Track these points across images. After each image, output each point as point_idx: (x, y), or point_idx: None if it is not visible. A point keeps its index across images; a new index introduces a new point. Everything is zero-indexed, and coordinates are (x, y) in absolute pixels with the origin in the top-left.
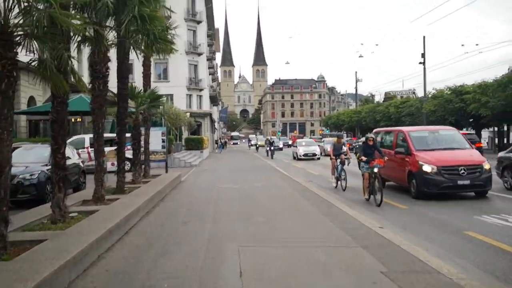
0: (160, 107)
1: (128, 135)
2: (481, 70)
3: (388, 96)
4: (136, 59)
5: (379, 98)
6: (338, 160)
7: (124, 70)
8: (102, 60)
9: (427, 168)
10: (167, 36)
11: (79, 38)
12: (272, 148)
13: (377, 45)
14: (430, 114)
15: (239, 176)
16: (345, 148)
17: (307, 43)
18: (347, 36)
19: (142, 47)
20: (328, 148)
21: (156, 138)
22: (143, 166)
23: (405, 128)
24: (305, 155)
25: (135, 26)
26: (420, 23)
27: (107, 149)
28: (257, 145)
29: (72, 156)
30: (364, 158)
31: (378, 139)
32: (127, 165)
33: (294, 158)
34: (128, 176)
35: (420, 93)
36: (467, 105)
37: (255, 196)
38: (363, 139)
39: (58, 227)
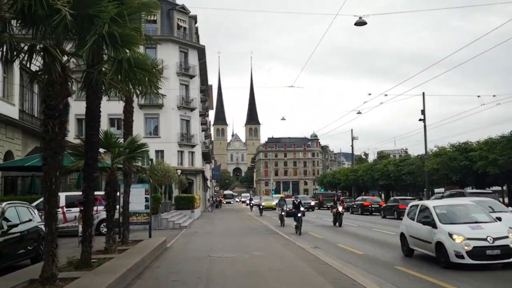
0: (142, 159)
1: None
2: (474, 129)
3: (382, 155)
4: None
5: (372, 157)
6: None
7: (95, 111)
8: (59, 93)
9: None
10: (150, 67)
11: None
12: (299, 215)
13: (382, 102)
14: (432, 172)
15: (236, 240)
16: None
17: (301, 101)
18: (342, 94)
19: (119, 82)
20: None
21: (138, 197)
22: (121, 230)
23: None
24: None
25: (103, 50)
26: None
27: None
28: (261, 206)
29: (33, 218)
30: None
31: None
32: (105, 228)
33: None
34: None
35: (412, 152)
36: (473, 162)
37: (258, 270)
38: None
39: None
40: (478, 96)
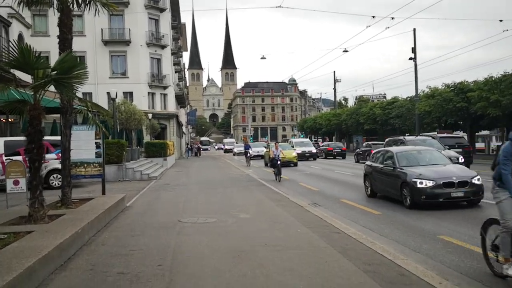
0: (80, 87)
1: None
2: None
3: (362, 100)
4: (91, 49)
5: (352, 101)
6: None
7: None
8: None
9: None
10: None
11: None
12: None
13: (388, 27)
14: (424, 115)
15: (216, 196)
16: None
17: (277, 45)
18: (321, 38)
19: None
20: None
21: (86, 142)
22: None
23: None
24: None
25: None
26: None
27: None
28: (277, 159)
29: None
30: None
31: None
32: (56, 180)
33: None
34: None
35: (391, 96)
36: (470, 104)
37: (250, 248)
38: None
39: None
40: (501, 21)
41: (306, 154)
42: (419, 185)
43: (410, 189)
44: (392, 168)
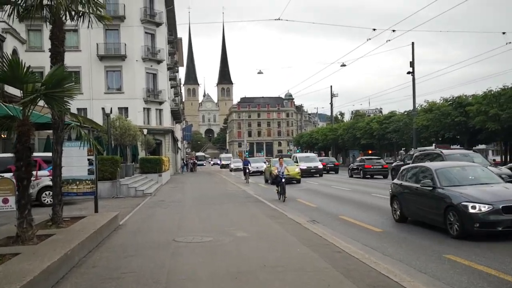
0: (71, 101)
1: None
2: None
3: (358, 114)
4: (86, 65)
5: (348, 116)
6: None
7: None
8: None
9: None
10: None
11: None
12: None
13: (389, 39)
14: (421, 129)
15: (212, 214)
16: None
17: (274, 61)
18: (318, 53)
19: None
20: None
21: (79, 159)
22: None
23: None
24: None
25: None
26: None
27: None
28: (281, 176)
29: None
30: None
31: None
32: (48, 198)
33: None
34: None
35: (386, 111)
36: (468, 118)
37: (248, 269)
38: None
39: None
40: (504, 33)
41: (312, 170)
42: (471, 210)
43: (459, 214)
44: (431, 188)
